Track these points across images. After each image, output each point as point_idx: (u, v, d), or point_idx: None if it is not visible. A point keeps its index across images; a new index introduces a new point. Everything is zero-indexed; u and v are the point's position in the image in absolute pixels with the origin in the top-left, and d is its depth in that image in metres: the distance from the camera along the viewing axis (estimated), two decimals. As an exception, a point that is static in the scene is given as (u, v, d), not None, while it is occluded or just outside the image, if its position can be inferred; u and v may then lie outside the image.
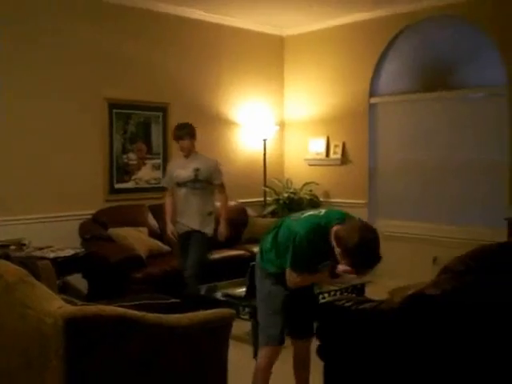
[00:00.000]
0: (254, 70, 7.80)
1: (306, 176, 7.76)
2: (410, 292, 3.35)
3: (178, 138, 5.45)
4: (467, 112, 6.64)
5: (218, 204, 5.72)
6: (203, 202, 5.45)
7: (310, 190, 7.58)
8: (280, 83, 8.17)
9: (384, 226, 7.21)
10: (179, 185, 5.42)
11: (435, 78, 6.82)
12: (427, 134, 6.91)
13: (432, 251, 6.51)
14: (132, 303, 2.87)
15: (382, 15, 7.02)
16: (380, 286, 5.72)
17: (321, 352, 3.49)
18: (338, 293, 5.22)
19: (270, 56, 8.06)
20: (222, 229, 5.61)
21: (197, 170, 5.37)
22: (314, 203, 7.48)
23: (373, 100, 7.30)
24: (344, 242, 3.04)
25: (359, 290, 5.44)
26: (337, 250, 3.08)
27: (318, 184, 7.59)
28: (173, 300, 3.34)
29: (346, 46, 7.47)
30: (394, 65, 7.17)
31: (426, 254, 6.59)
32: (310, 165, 7.88)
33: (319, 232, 3.16)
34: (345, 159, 7.54)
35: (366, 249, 3.03)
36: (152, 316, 2.53)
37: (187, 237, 5.41)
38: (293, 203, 7.43)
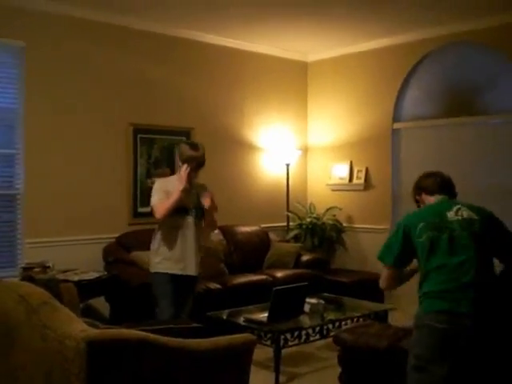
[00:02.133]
0: (277, 95, 7.84)
1: (329, 201, 7.74)
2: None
3: (202, 165, 4.56)
4: (489, 137, 6.61)
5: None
6: (199, 238, 4.64)
7: (334, 215, 7.56)
8: (303, 108, 8.20)
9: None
10: (180, 212, 4.46)
11: (457, 103, 6.79)
12: (450, 158, 6.84)
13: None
14: (154, 327, 2.88)
15: (404, 41, 7.04)
16: (403, 313, 5.67)
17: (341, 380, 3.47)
18: (360, 319, 5.18)
19: (294, 81, 8.11)
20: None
21: (198, 194, 4.56)
22: (336, 228, 7.46)
23: (396, 125, 7.28)
24: None
25: (382, 316, 5.39)
26: None
27: (341, 209, 7.57)
28: (195, 324, 3.34)
29: (369, 72, 7.49)
30: (416, 90, 7.17)
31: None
32: (333, 190, 7.86)
33: None
34: (368, 184, 7.52)
35: None
36: (173, 340, 2.53)
37: (178, 282, 4.53)
38: (316, 228, 7.41)
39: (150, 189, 6.60)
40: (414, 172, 7.16)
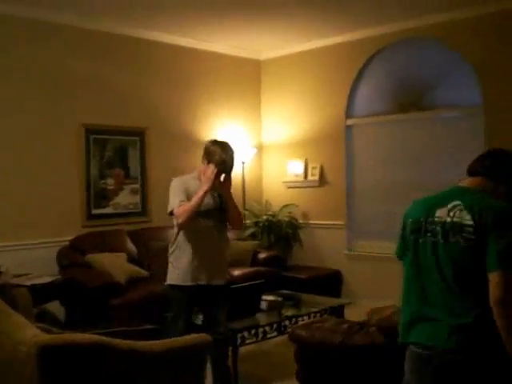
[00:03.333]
0: (231, 94, 7.84)
1: (284, 198, 7.79)
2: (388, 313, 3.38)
3: (229, 171, 4.14)
4: (442, 132, 6.73)
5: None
6: (227, 243, 4.29)
7: (289, 212, 7.61)
8: (257, 106, 8.22)
9: (363, 247, 7.28)
10: (201, 215, 4.01)
11: (409, 99, 6.91)
12: (403, 154, 6.98)
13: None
14: (107, 330, 2.86)
15: (356, 38, 7.13)
16: (359, 307, 5.73)
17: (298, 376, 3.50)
18: (317, 315, 5.22)
19: (248, 79, 8.12)
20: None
21: (220, 195, 4.16)
22: (292, 225, 7.52)
23: (349, 122, 7.37)
24: None
25: (338, 311, 5.45)
26: None
27: (297, 206, 7.62)
28: (148, 326, 3.33)
29: (322, 69, 7.56)
30: (369, 86, 7.27)
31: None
32: (289, 187, 7.91)
33: None
34: (323, 181, 7.59)
35: None
36: (125, 342, 2.52)
37: (202, 293, 4.06)
38: (272, 225, 7.45)
39: (104, 190, 6.67)
40: (367, 167, 7.38)
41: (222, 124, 7.72)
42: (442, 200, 2.35)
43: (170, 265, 4.11)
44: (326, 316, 5.20)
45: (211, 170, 3.97)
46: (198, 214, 3.96)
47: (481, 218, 2.19)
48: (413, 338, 2.31)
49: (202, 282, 4.00)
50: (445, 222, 2.26)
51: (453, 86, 6.60)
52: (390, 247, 6.80)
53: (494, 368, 2.19)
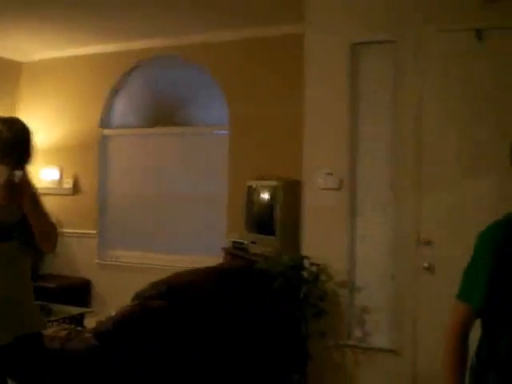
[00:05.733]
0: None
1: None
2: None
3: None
4: (194, 148, 7.07)
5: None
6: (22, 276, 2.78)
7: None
8: (12, 109, 7.90)
9: (117, 257, 7.36)
10: None
11: (164, 114, 7.16)
12: (157, 167, 7.21)
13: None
14: None
15: (114, 50, 7.20)
16: (102, 316, 5.76)
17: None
18: (55, 323, 5.18)
19: (4, 83, 7.76)
20: None
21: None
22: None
23: (105, 132, 7.42)
24: None
25: (78, 320, 5.45)
26: None
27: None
28: None
29: (80, 77, 7.51)
30: (126, 99, 7.39)
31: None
32: (44, 194, 7.69)
33: None
34: (76, 189, 7.52)
35: None
36: None
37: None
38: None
39: None
40: (121, 178, 7.47)
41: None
42: None
43: None
44: (64, 325, 5.19)
45: None
46: None
47: None
48: None
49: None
50: None
51: (204, 105, 6.97)
52: (141, 256, 7.04)
53: None
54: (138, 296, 3.44)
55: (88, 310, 5.96)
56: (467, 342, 2.10)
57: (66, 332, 3.54)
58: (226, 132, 6.76)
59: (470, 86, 4.49)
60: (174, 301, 3.44)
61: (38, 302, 5.47)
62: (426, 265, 4.53)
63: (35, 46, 7.48)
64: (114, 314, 3.78)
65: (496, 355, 2.05)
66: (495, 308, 2.05)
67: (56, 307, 5.70)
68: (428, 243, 4.53)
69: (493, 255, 2.04)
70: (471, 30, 4.46)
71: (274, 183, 5.61)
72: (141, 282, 6.93)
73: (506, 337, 2.03)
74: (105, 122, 7.41)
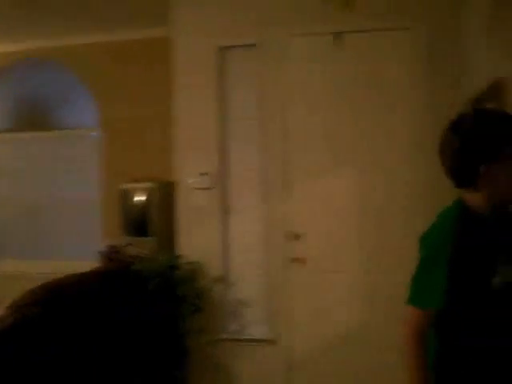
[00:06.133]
0: None
1: None
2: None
3: None
4: (65, 152, 6.95)
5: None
6: None
7: None
8: None
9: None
10: None
11: (33, 118, 6.99)
12: (30, 172, 7.02)
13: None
14: None
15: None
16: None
17: None
18: None
19: None
20: None
21: None
22: None
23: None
24: None
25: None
26: None
27: None
28: None
29: None
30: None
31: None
32: None
33: None
34: None
35: None
36: None
37: None
38: None
39: None
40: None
41: None
42: None
43: None
44: None
45: None
46: None
47: None
48: None
49: None
50: None
51: (75, 108, 6.87)
52: (16, 264, 6.83)
53: None
54: (13, 304, 3.39)
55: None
56: (426, 344, 2.14)
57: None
58: (97, 134, 6.71)
59: (330, 84, 4.79)
60: (51, 307, 3.42)
61: None
62: (296, 257, 4.77)
63: None
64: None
65: (456, 356, 2.11)
66: (454, 309, 2.06)
67: None
68: (297, 237, 4.77)
69: (446, 256, 2.04)
70: (329, 34, 4.75)
71: (148, 185, 5.66)
72: (17, 291, 6.82)
73: (465, 338, 2.08)
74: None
